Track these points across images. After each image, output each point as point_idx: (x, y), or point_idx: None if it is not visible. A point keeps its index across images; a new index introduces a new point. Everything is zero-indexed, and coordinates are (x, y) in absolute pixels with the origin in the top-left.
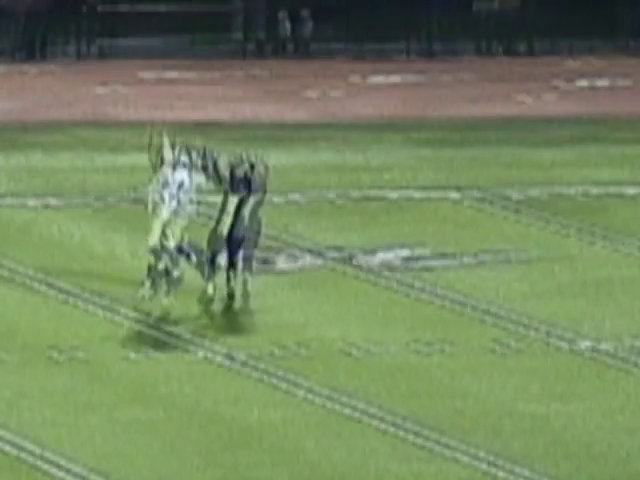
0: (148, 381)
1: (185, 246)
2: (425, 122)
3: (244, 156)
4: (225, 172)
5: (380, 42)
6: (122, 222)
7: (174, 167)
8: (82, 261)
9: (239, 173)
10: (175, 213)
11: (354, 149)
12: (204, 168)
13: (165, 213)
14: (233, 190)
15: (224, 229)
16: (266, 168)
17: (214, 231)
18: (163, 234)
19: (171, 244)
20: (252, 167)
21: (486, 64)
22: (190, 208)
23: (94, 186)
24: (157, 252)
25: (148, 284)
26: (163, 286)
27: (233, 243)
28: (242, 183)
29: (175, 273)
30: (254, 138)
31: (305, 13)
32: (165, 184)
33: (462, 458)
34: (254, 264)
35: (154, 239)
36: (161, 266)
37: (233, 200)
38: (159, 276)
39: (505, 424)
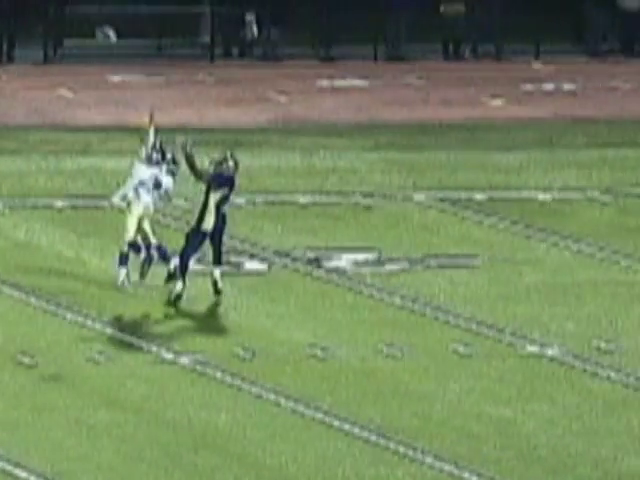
0: (115, 384)
1: (140, 243)
2: (393, 126)
3: (228, 154)
4: (208, 169)
5: (348, 45)
6: (89, 225)
7: (148, 163)
8: (49, 264)
9: (222, 170)
10: (148, 209)
11: (322, 153)
12: (173, 162)
13: (139, 209)
14: (215, 187)
15: (208, 226)
16: (236, 165)
17: (197, 228)
18: (139, 229)
19: (153, 240)
20: (236, 165)
21: (454, 67)
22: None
23: (61, 189)
24: (135, 246)
25: (124, 272)
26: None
27: (215, 239)
28: (224, 181)
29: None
30: (221, 142)
31: (274, 16)
32: (141, 181)
33: (429, 461)
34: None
35: (130, 234)
36: (142, 255)
37: (215, 197)
38: (144, 265)
39: (472, 427)
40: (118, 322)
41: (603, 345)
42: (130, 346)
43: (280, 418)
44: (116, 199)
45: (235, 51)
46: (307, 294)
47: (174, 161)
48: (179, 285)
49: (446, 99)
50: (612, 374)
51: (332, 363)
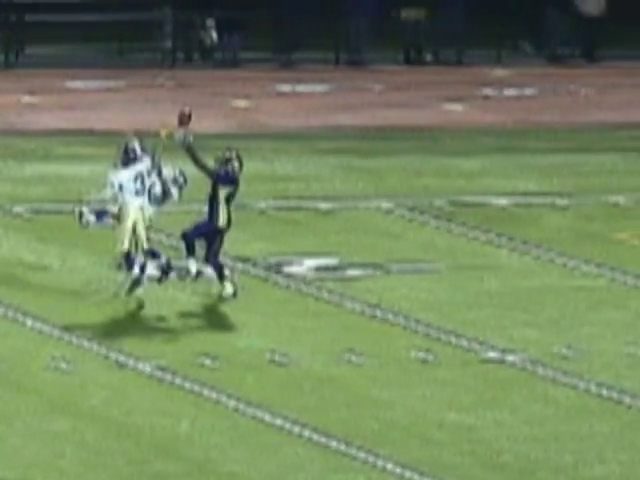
0: (75, 391)
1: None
2: (354, 131)
3: (233, 154)
4: (216, 166)
5: (308, 51)
6: (51, 232)
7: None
8: (10, 270)
9: (227, 169)
10: (141, 211)
11: (283, 158)
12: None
13: (131, 215)
14: (221, 186)
15: (223, 222)
16: (241, 164)
17: (212, 224)
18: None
19: (145, 246)
20: (241, 164)
21: (415, 73)
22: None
23: (22, 195)
24: (129, 259)
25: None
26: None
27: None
28: (229, 180)
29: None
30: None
31: (234, 21)
32: (121, 186)
33: (391, 468)
34: None
35: (124, 245)
36: (136, 270)
37: (223, 193)
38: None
39: (434, 434)
40: (78, 328)
41: (564, 351)
42: (90, 352)
43: (241, 425)
44: (95, 197)
45: (196, 56)
46: (268, 300)
47: (183, 176)
48: (228, 288)
49: (407, 104)
50: (573, 380)
51: (293, 370)
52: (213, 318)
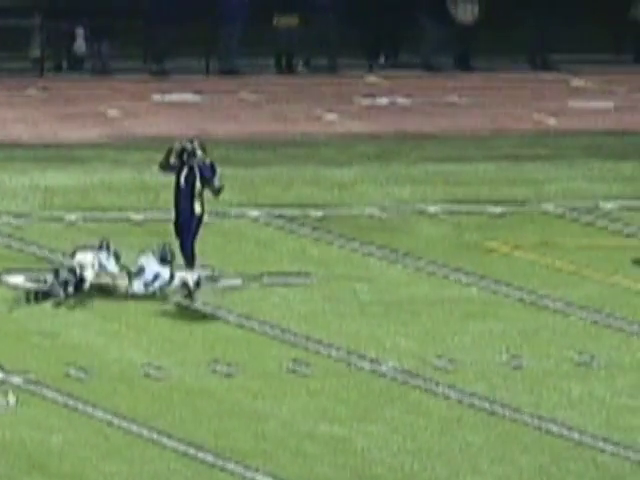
0: None
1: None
2: (227, 141)
3: (194, 144)
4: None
5: (180, 59)
6: None
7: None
8: None
9: (199, 161)
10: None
11: (155, 169)
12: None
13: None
14: (207, 179)
15: (199, 211)
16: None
17: (193, 216)
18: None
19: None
20: (204, 149)
21: (287, 81)
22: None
23: None
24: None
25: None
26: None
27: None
28: (209, 169)
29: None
30: (54, 158)
31: (104, 30)
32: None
33: None
34: None
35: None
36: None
37: (199, 185)
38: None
39: (307, 446)
40: None
41: (438, 362)
42: None
43: (114, 438)
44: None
45: (65, 65)
46: (140, 312)
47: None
48: (194, 275)
49: (280, 113)
50: (447, 391)
51: (166, 382)
52: (85, 330)
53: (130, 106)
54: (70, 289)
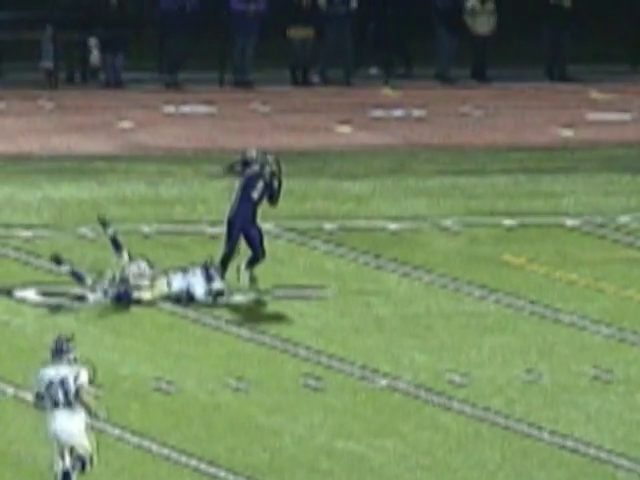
0: None
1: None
2: (239, 153)
3: (269, 158)
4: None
5: (193, 71)
6: None
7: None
8: None
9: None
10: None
11: (168, 181)
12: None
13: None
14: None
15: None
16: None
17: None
18: None
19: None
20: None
21: (302, 93)
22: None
23: None
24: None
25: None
26: None
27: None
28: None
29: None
30: (66, 170)
31: (117, 41)
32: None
33: None
34: None
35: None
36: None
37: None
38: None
39: (322, 462)
40: None
41: (454, 378)
42: None
43: (125, 454)
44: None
45: (78, 77)
46: (153, 326)
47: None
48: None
49: (294, 126)
50: (463, 406)
51: (179, 397)
52: (96, 345)
53: (143, 118)
54: (111, 295)
